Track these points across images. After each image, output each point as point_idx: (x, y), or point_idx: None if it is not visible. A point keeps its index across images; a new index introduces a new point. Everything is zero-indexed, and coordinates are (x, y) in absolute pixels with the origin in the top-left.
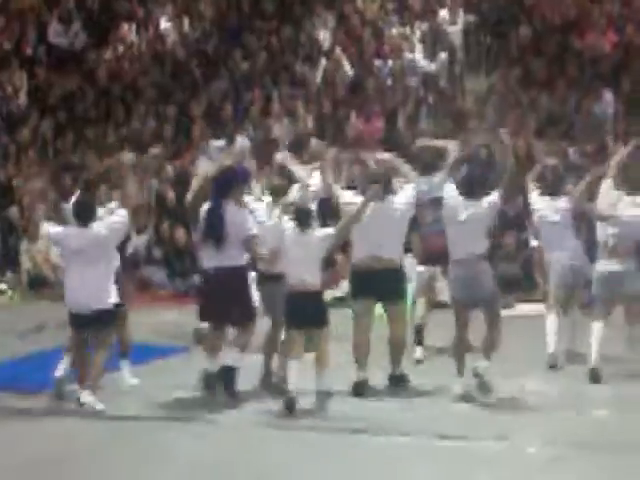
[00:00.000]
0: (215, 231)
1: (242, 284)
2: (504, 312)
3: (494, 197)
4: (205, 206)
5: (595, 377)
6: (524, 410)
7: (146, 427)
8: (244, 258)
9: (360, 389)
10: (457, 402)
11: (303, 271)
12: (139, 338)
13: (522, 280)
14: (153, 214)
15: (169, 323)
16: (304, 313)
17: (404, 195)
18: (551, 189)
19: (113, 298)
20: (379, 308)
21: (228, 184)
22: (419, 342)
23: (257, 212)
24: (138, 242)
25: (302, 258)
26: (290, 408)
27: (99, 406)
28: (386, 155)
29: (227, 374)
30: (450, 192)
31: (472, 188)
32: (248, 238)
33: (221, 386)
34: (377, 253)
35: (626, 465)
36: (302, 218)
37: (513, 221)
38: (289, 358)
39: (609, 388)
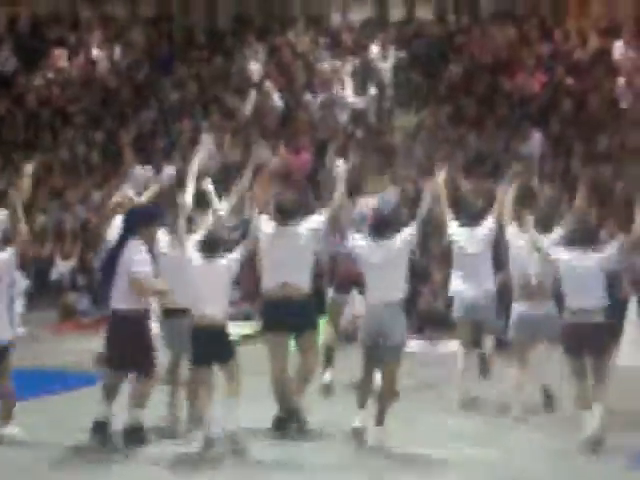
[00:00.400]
0: (106, 271)
1: (136, 329)
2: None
3: (406, 233)
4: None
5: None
6: None
7: None
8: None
9: (281, 424)
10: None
11: (207, 304)
12: (64, 365)
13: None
14: (79, 241)
15: (93, 351)
16: (209, 349)
17: (312, 221)
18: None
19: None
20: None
21: (136, 221)
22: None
23: (160, 244)
24: (62, 269)
25: (207, 290)
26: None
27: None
28: None
29: (132, 435)
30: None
31: (380, 229)
32: (130, 278)
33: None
34: (286, 280)
35: None
36: (208, 246)
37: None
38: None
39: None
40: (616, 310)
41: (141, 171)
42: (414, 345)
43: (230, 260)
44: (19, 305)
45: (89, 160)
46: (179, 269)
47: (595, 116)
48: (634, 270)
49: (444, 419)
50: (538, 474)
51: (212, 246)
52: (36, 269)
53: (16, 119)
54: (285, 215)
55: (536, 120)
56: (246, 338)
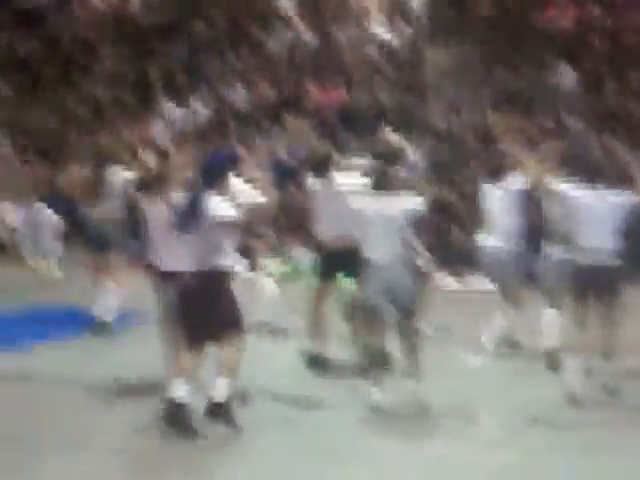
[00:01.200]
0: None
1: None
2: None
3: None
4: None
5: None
6: None
7: None
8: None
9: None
10: None
11: None
12: None
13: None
14: None
15: None
16: None
17: None
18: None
19: None
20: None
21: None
22: None
23: None
24: None
25: None
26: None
27: None
28: None
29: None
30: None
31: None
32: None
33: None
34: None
35: None
36: None
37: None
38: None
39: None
40: None
41: (172, 108)
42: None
43: None
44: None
45: (121, 97)
46: None
47: (629, 52)
48: None
49: None
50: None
51: None
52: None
53: (46, 57)
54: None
55: (567, 55)
56: None
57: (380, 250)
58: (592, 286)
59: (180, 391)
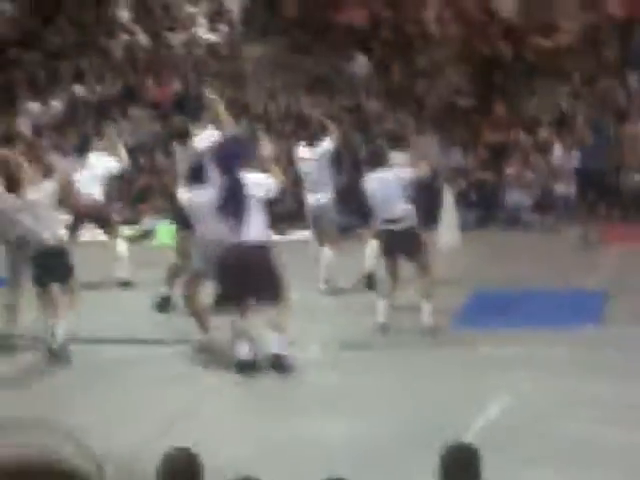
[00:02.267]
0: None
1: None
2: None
3: None
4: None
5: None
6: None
7: None
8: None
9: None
10: None
11: None
12: None
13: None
14: None
15: None
16: None
17: None
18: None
19: None
20: None
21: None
22: None
23: None
24: None
25: None
26: None
27: None
28: None
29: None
30: None
31: None
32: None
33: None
34: None
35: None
36: None
37: None
38: None
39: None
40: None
41: (32, 105)
42: None
43: None
44: None
45: None
46: None
47: (409, 40)
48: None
49: None
50: None
51: None
52: None
53: None
54: None
55: (360, 45)
56: None
57: None
58: (399, 247)
59: (244, 350)
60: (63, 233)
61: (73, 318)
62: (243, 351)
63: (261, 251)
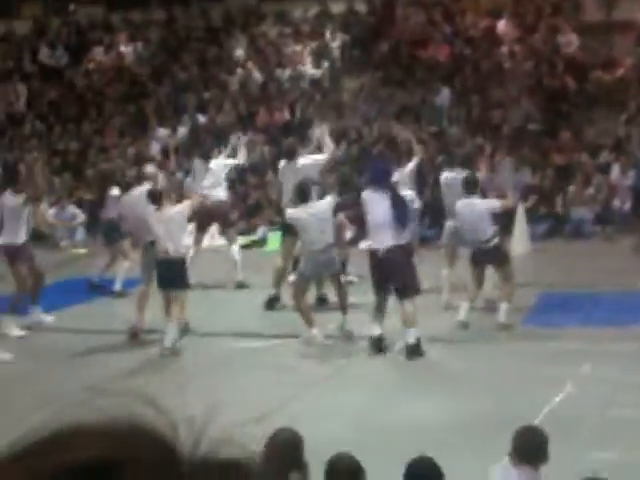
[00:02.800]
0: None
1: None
2: None
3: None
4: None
5: None
6: None
7: None
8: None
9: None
10: None
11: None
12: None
13: None
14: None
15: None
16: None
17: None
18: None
19: None
20: None
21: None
22: None
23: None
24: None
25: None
26: None
27: None
28: None
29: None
30: None
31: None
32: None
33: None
34: None
35: None
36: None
37: None
38: None
39: None
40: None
41: (162, 131)
42: None
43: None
44: (81, 232)
45: (124, 125)
46: None
47: (486, 75)
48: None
49: None
50: None
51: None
52: (90, 206)
53: (68, 99)
54: None
55: (444, 80)
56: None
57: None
58: (488, 259)
59: (376, 330)
60: (185, 247)
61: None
62: (376, 331)
63: (401, 254)
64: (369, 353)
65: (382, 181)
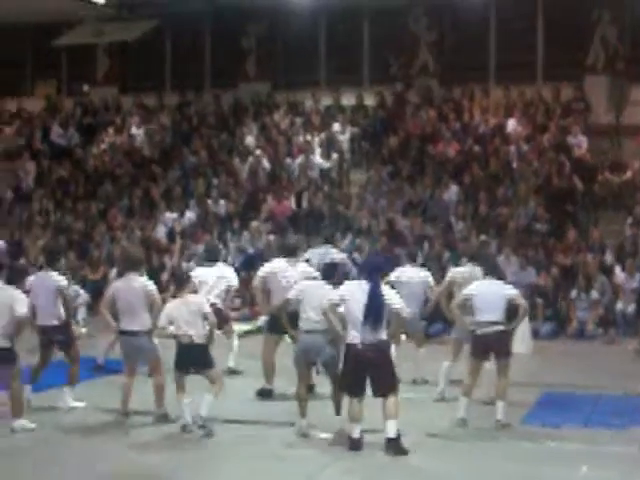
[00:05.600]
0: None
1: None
2: None
3: None
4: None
5: None
6: None
7: None
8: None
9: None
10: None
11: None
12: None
13: None
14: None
15: None
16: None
17: None
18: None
19: None
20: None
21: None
22: None
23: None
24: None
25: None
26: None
27: None
28: None
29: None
30: None
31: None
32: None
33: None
34: None
35: None
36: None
37: None
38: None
39: None
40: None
41: (169, 215)
42: None
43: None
44: (83, 311)
45: (132, 207)
46: None
47: (494, 173)
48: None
49: None
50: None
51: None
52: (94, 286)
53: (78, 179)
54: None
55: (453, 176)
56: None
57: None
58: (492, 348)
59: (356, 432)
60: (205, 333)
61: (211, 395)
62: (355, 432)
63: (381, 350)
64: (350, 450)
65: (371, 274)
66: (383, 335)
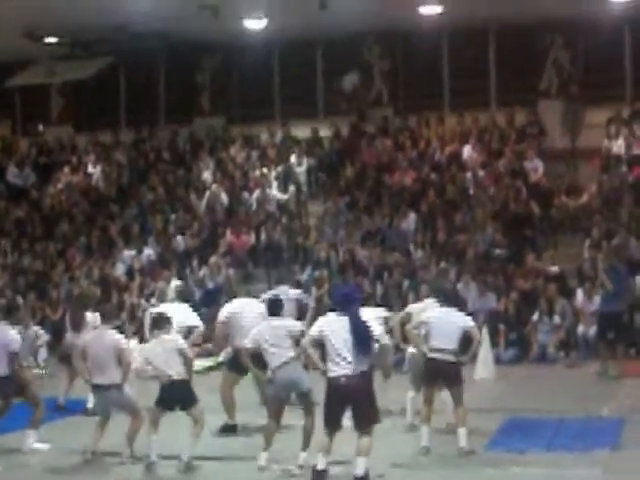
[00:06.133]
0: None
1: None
2: None
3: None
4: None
5: None
6: None
7: None
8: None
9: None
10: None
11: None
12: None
13: None
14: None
15: None
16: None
17: None
18: None
19: None
20: None
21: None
22: None
23: None
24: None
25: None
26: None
27: None
28: None
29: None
30: None
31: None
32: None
33: None
34: None
35: None
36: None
37: None
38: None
39: None
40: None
41: (127, 252)
42: None
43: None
44: (44, 352)
45: (90, 246)
46: None
47: (452, 200)
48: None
49: None
50: None
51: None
52: (53, 326)
53: (34, 220)
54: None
55: (410, 204)
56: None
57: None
58: (442, 377)
59: (322, 463)
60: (184, 370)
61: (193, 438)
62: (322, 463)
63: (364, 382)
64: None
65: (345, 306)
66: (365, 366)
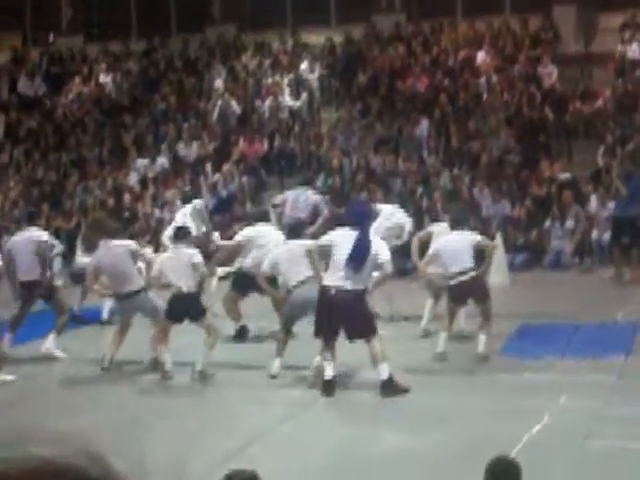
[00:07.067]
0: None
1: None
2: None
3: None
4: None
5: None
6: None
7: None
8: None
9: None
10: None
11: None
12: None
13: None
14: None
15: None
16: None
17: None
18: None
19: None
20: None
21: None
22: None
23: None
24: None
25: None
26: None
27: None
28: None
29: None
30: None
31: None
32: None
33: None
34: None
35: None
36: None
37: None
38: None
39: None
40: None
41: (140, 162)
42: None
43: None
44: (58, 262)
45: (102, 156)
46: None
47: (464, 106)
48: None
49: None
50: None
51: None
52: (67, 235)
53: (46, 130)
54: None
55: (423, 111)
56: None
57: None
58: (469, 294)
59: (329, 372)
60: (195, 284)
61: (206, 348)
62: (328, 372)
63: (355, 298)
64: (322, 395)
65: (358, 222)
66: (361, 285)
